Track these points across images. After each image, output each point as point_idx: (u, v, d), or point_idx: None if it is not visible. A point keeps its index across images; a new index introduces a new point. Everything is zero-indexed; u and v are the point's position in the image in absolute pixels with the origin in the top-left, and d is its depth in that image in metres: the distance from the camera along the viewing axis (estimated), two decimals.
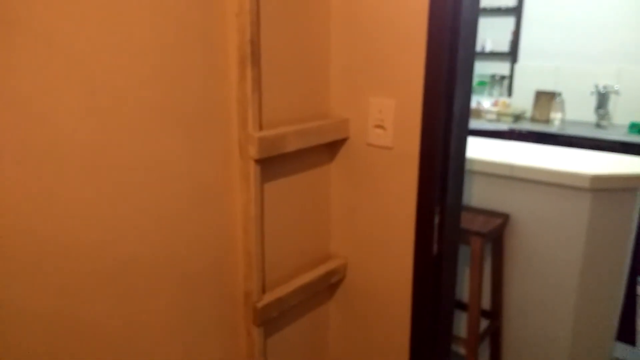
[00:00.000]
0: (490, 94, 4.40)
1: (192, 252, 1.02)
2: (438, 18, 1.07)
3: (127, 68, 0.84)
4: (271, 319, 1.21)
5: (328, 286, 1.39)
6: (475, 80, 4.45)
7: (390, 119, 1.19)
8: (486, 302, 2.35)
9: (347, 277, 1.38)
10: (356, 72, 1.23)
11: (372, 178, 1.26)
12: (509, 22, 4.25)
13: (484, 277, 2.33)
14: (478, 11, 1.16)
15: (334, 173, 1.34)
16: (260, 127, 1.06)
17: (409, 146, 1.17)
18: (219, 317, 1.11)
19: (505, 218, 2.20)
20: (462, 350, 2.46)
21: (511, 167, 2.18)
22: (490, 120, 4.03)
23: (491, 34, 4.30)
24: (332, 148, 1.31)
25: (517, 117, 4.04)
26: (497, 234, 2.17)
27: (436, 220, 1.18)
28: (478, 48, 4.36)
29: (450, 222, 1.22)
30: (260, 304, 1.11)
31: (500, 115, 4.06)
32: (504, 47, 4.26)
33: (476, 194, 2.31)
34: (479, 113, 4.12)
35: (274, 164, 1.13)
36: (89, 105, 0.80)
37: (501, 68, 4.34)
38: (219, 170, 1.03)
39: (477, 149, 2.41)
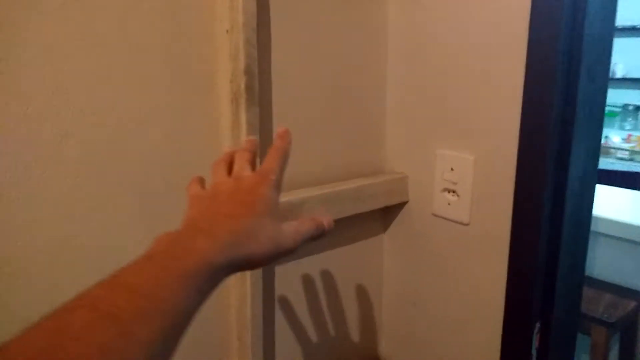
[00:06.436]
0: (622, 127, 3.68)
1: None
2: (545, 35, 0.67)
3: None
4: None
5: None
6: None
7: (467, 182, 0.80)
8: None
9: None
10: (418, 112, 0.86)
11: (440, 264, 0.87)
12: None
13: None
14: (613, 25, 0.74)
15: (388, 247, 0.97)
16: None
17: (495, 224, 0.77)
18: None
19: None
20: None
21: None
22: (621, 159, 3.34)
23: (623, 57, 3.60)
24: (386, 213, 0.95)
25: None
26: (628, 321, 1.62)
27: (535, 342, 0.76)
28: None
29: (558, 344, 0.79)
30: None
31: (634, 154, 3.36)
32: (639, 71, 3.56)
33: (601, 263, 1.77)
34: (606, 150, 3.44)
35: None
36: None
37: (635, 97, 3.62)
38: None
39: (604, 202, 1.87)
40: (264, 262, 0.45)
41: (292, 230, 0.47)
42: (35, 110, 0.55)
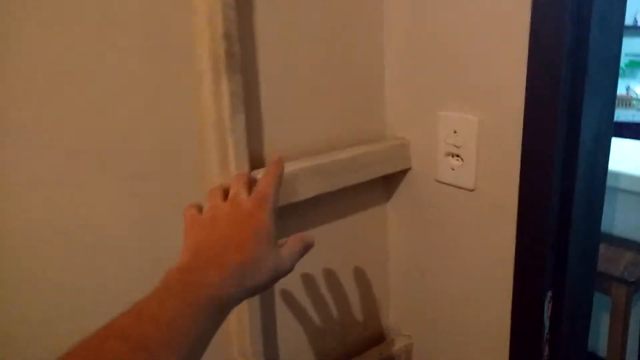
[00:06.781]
0: None
1: None
2: None
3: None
4: None
5: None
6: (625, 60, 3.59)
7: (472, 145, 0.75)
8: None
9: None
10: (418, 72, 0.80)
11: (446, 232, 0.83)
12: None
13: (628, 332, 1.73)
14: None
15: (392, 217, 0.93)
16: (255, 165, 0.70)
17: (501, 189, 0.73)
18: None
19: None
20: None
21: None
22: None
23: None
24: (388, 181, 0.90)
25: None
26: None
27: (547, 310, 0.73)
28: (628, 21, 3.50)
29: (572, 311, 0.75)
30: None
31: None
32: None
33: (621, 221, 1.71)
34: (629, 101, 3.30)
35: (282, 215, 0.76)
36: None
37: None
38: None
39: (624, 156, 1.79)
40: (266, 288, 0.48)
41: (287, 253, 0.51)
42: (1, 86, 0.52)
